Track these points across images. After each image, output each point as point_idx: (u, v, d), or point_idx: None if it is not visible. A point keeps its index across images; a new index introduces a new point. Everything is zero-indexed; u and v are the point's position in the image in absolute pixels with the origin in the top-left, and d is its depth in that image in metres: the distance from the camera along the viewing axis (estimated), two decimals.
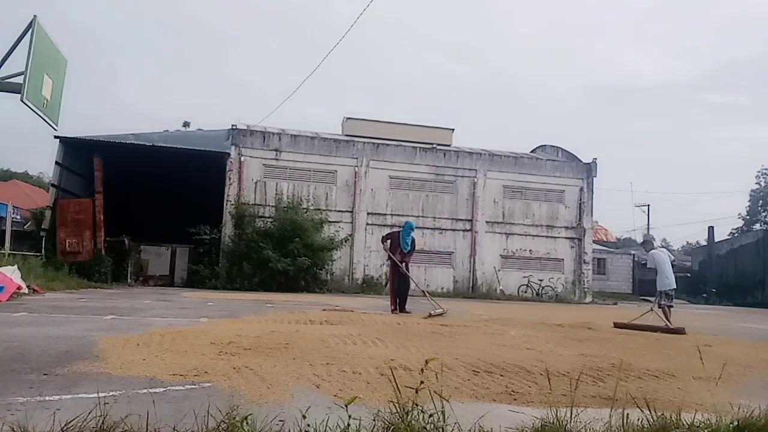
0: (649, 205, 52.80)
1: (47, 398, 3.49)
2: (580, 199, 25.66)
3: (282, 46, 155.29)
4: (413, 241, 12.10)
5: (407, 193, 23.83)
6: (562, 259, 25.36)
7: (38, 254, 18.48)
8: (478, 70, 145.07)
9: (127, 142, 20.93)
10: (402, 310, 11.47)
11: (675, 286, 11.38)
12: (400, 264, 11.58)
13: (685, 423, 3.10)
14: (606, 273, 34.99)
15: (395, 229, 14.24)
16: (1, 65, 7.74)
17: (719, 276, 34.33)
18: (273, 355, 5.29)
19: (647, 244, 13.40)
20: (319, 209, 21.99)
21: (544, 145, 29.40)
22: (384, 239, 12.33)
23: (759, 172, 45.28)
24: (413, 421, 2.83)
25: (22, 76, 7.47)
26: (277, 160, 22.47)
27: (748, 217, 45.71)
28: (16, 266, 12.78)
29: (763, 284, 30.83)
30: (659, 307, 10.87)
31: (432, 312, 10.80)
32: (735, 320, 15.76)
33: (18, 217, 23.40)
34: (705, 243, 39.19)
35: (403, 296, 11.72)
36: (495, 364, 5.30)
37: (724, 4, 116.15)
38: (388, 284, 12.40)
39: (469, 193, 24.41)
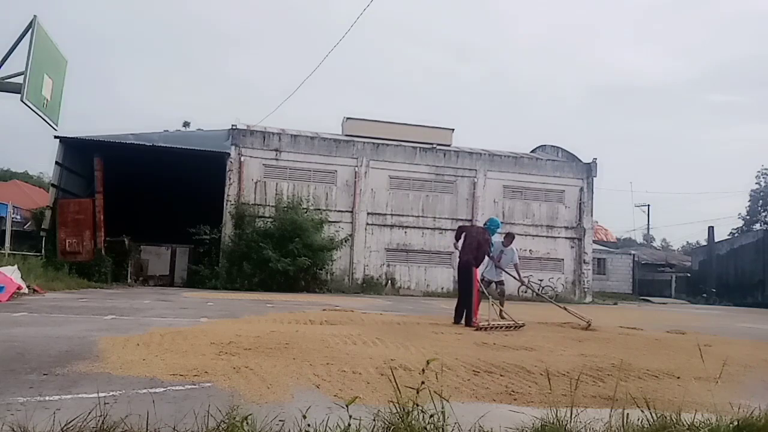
0: (649, 205, 53.12)
1: (47, 398, 3.48)
2: (580, 199, 25.67)
3: (282, 46, 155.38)
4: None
5: (407, 193, 23.84)
6: (562, 259, 25.37)
7: (38, 254, 18.49)
8: (479, 70, 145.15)
9: (127, 142, 20.95)
10: (468, 323, 9.14)
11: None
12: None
13: (685, 423, 3.10)
14: (606, 273, 34.99)
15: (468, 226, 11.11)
16: (1, 65, 7.72)
17: (719, 276, 34.30)
18: (273, 355, 5.29)
19: (510, 236, 12.87)
20: (319, 209, 22.01)
21: (544, 145, 29.41)
22: (459, 234, 9.94)
23: (759, 172, 45.41)
24: (413, 421, 2.83)
25: (22, 76, 7.44)
26: (277, 160, 22.48)
27: (748, 217, 45.73)
28: (16, 266, 12.77)
29: (763, 284, 30.80)
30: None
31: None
32: (735, 320, 15.75)
33: (18, 217, 23.40)
34: (705, 243, 39.17)
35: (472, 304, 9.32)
36: (495, 364, 5.30)
37: (725, 4, 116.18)
38: (472, 293, 9.44)
39: (469, 193, 24.42)
